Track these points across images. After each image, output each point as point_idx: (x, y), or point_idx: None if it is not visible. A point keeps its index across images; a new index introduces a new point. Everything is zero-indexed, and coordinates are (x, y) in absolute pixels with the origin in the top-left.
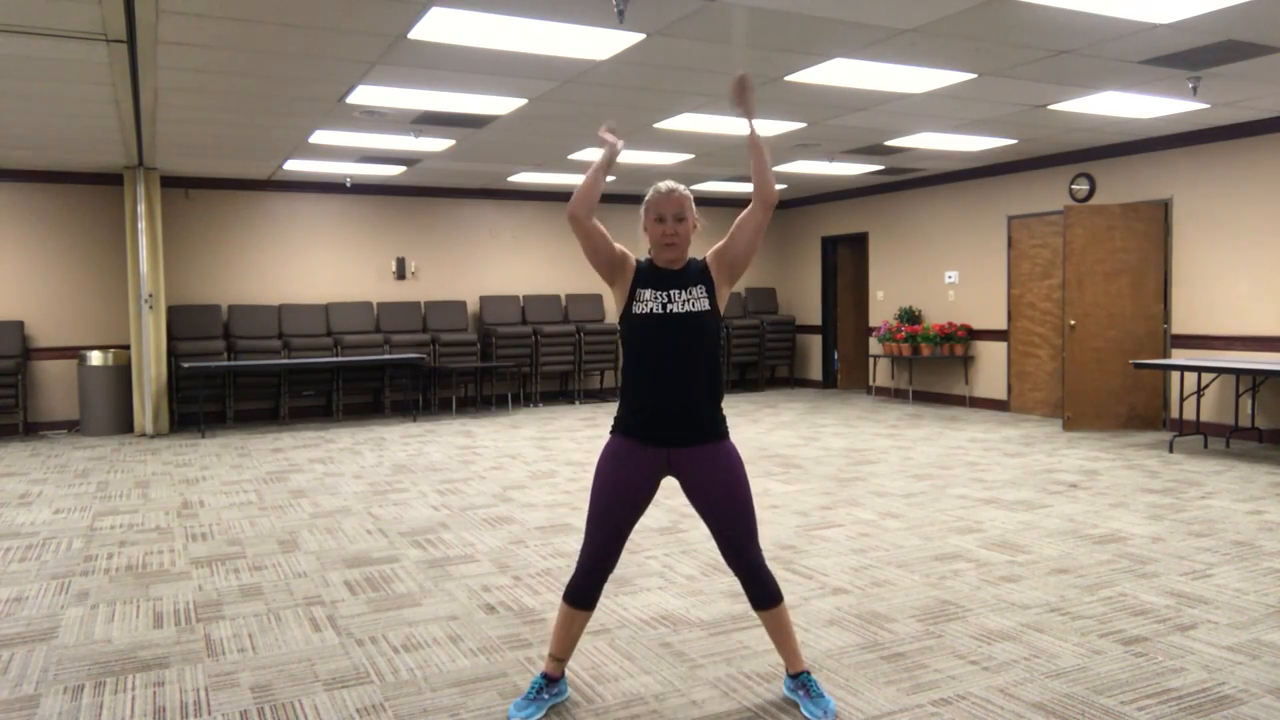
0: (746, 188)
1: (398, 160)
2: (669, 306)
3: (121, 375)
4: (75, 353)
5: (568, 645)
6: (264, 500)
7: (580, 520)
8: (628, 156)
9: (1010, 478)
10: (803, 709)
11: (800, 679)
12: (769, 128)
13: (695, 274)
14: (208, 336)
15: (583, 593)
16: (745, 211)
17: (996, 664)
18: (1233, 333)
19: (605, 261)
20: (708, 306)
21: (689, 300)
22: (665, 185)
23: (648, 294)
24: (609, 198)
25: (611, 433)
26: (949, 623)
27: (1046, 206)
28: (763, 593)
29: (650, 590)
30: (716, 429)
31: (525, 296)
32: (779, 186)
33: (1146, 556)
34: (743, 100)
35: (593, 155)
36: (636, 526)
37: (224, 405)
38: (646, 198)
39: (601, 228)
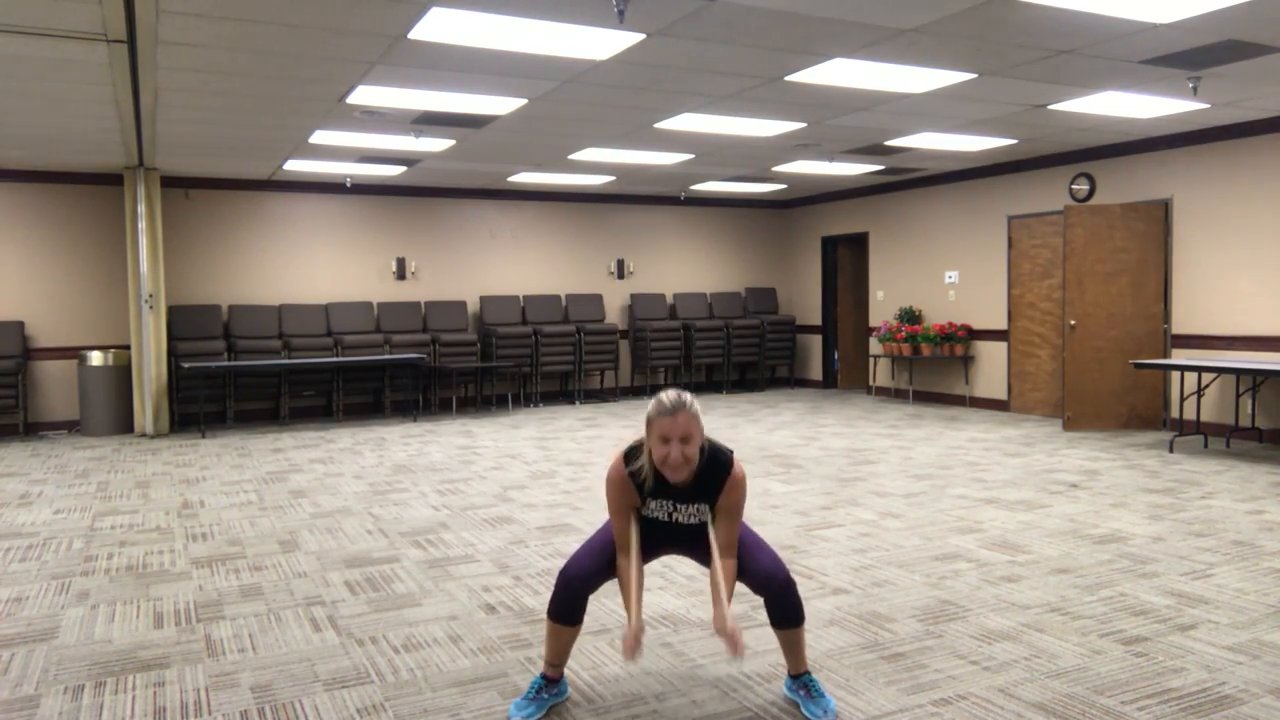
0: (747, 188)
1: (398, 160)
2: (674, 516)
3: (122, 375)
4: (75, 353)
5: (561, 654)
6: (264, 500)
7: (580, 520)
8: (628, 156)
9: (1010, 478)
10: (803, 709)
11: (802, 679)
12: (769, 128)
13: (703, 493)
14: (208, 336)
15: (567, 608)
16: (725, 542)
17: (997, 664)
18: (1233, 333)
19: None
20: (709, 519)
21: (695, 514)
22: (670, 401)
23: (654, 504)
24: (604, 198)
25: (626, 463)
26: (949, 623)
27: (1046, 206)
28: (791, 614)
29: (650, 590)
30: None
31: (525, 296)
32: (778, 186)
33: (1147, 556)
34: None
35: (592, 155)
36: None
37: (224, 405)
38: (650, 412)
39: (628, 515)
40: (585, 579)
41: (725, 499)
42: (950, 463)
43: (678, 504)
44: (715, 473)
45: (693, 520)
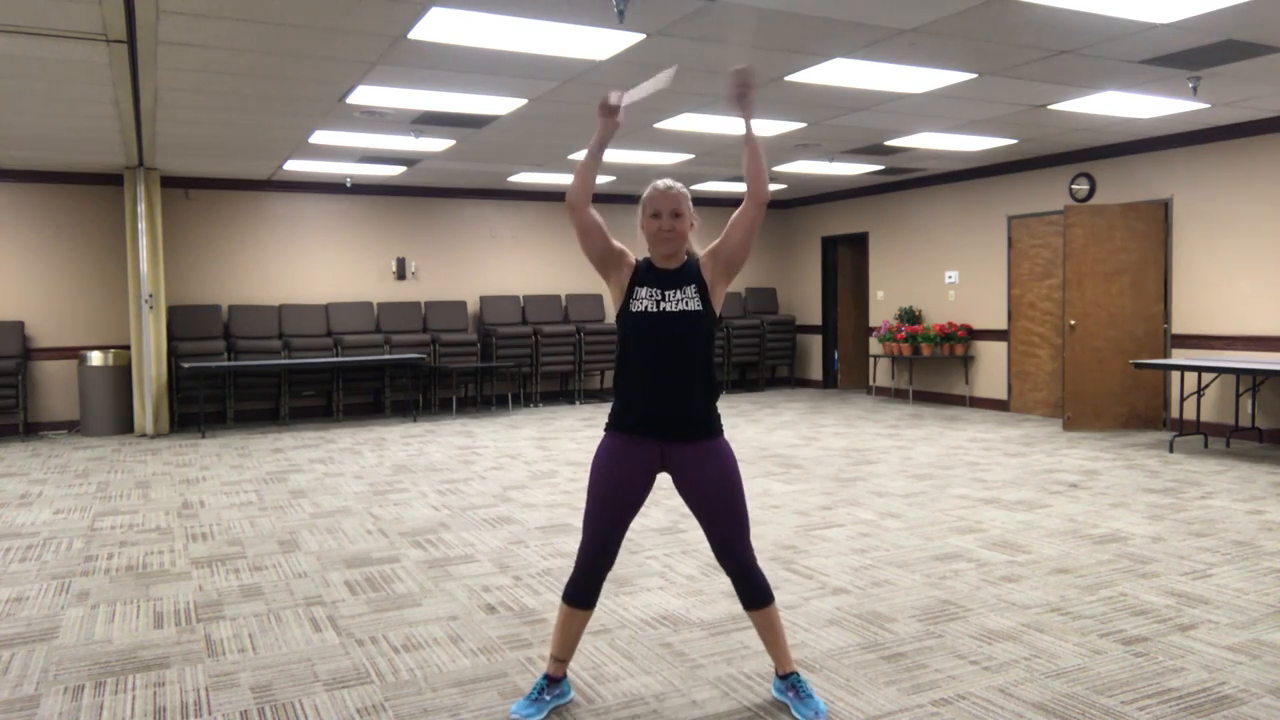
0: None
1: (398, 160)
2: (663, 305)
3: (122, 375)
4: (75, 353)
5: (568, 645)
6: (264, 500)
7: (580, 520)
8: (628, 156)
9: (1010, 478)
10: (793, 710)
11: (789, 680)
12: (769, 128)
13: (689, 274)
14: (208, 337)
15: (582, 592)
16: (738, 210)
17: (997, 664)
18: (1233, 333)
19: (599, 254)
20: (700, 307)
21: (682, 299)
22: (663, 183)
23: (644, 292)
24: (607, 197)
25: (606, 429)
26: (949, 623)
27: (1046, 206)
28: (754, 593)
29: (650, 590)
30: (710, 427)
31: (525, 296)
32: (778, 186)
33: (1147, 556)
34: (743, 98)
35: None
36: (636, 526)
37: (224, 405)
38: (644, 195)
39: (599, 219)
40: (605, 553)
41: (712, 248)
42: (950, 463)
43: (667, 290)
44: (694, 259)
45: (681, 307)
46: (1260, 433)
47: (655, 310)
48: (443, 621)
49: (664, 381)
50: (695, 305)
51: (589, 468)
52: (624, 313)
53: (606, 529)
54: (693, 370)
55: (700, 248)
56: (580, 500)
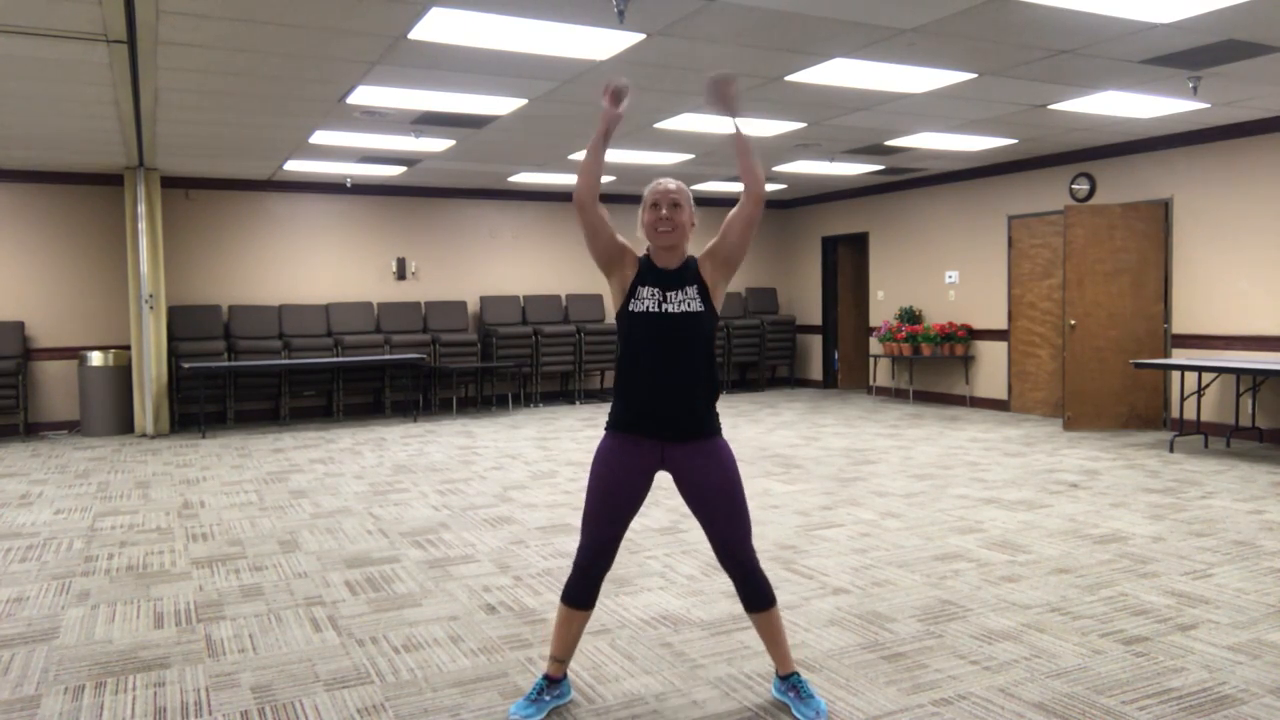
0: None
1: (398, 160)
2: (664, 305)
3: (122, 376)
4: (76, 353)
5: (568, 646)
6: (264, 500)
7: (579, 519)
8: (628, 156)
9: (1011, 477)
10: (794, 710)
11: (790, 680)
12: (769, 128)
13: (690, 274)
14: (208, 337)
15: (581, 592)
16: (735, 208)
17: (997, 664)
18: (1233, 332)
19: (606, 252)
20: (701, 307)
21: (684, 300)
22: (664, 180)
23: (645, 292)
24: (607, 198)
25: (606, 429)
26: (949, 622)
27: (1047, 206)
28: (755, 595)
29: (651, 590)
30: (710, 426)
31: (525, 296)
32: (778, 186)
33: (1147, 556)
34: (725, 101)
35: None
36: (636, 526)
37: (224, 405)
38: (645, 191)
39: (606, 215)
40: (604, 553)
41: (710, 247)
42: (950, 462)
43: (666, 290)
44: (693, 260)
45: (683, 308)
46: (1260, 432)
47: (657, 311)
48: (443, 621)
49: (666, 382)
50: (697, 306)
51: (589, 467)
52: (624, 313)
53: (606, 529)
54: (695, 370)
55: (698, 249)
56: (580, 500)
